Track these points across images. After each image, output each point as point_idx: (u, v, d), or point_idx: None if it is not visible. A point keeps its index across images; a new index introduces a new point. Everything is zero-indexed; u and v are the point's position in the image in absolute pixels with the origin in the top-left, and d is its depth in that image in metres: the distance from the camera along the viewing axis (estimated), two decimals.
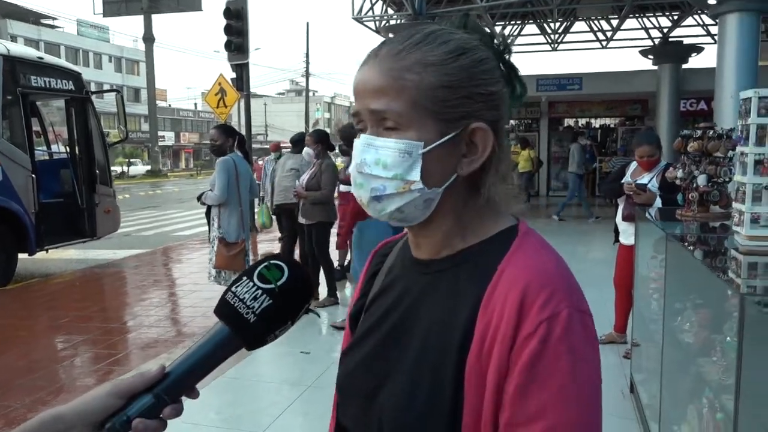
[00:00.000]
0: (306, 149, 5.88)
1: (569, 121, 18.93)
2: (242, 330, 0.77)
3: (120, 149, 38.42)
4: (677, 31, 15.48)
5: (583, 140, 14.06)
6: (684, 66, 14.84)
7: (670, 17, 15.09)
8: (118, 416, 0.74)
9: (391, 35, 0.87)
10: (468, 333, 0.75)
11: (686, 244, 2.64)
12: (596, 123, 18.73)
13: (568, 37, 18.12)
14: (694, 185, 3.29)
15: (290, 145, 7.14)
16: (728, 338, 2.16)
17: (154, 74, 35.27)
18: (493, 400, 0.71)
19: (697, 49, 14.97)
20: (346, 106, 79.69)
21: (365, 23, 12.75)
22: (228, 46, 10.93)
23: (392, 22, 13.15)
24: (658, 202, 4.17)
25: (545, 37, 17.83)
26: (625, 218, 4.46)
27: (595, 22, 16.48)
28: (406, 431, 0.78)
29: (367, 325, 0.90)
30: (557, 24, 16.79)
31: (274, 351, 4.67)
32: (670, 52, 14.95)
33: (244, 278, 0.78)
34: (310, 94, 51.96)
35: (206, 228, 12.15)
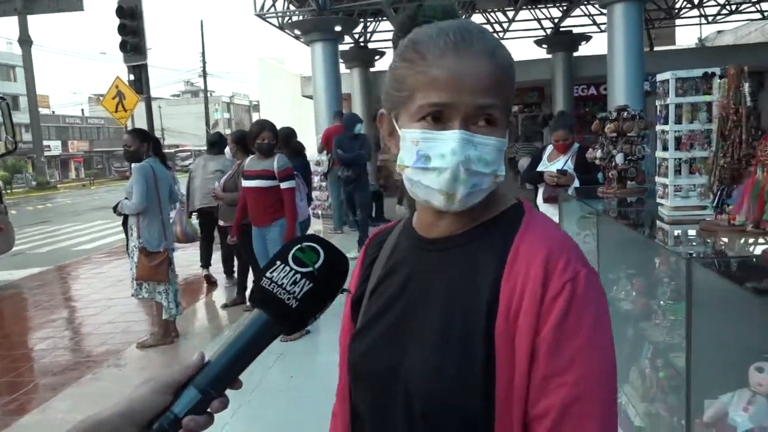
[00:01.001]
0: (227, 149, 5.69)
1: None
2: (283, 316, 0.75)
3: (0, 162, 35.36)
4: (567, 22, 16.37)
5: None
6: (575, 54, 15.75)
7: (560, 8, 15.92)
8: (165, 415, 0.71)
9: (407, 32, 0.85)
10: (493, 300, 0.80)
11: (617, 219, 2.82)
12: None
13: None
14: (613, 164, 3.51)
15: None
16: (662, 302, 2.34)
17: (34, 79, 32.65)
18: (527, 357, 0.77)
19: (586, 37, 15.94)
20: (245, 105, 77.75)
21: (268, 20, 12.50)
22: (123, 46, 10.29)
23: (295, 18, 12.98)
24: (576, 183, 4.42)
25: None
26: (546, 200, 4.68)
27: (492, 14, 17.08)
28: (439, 395, 0.80)
29: (379, 305, 0.93)
30: None
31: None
32: (561, 42, 15.82)
33: (278, 263, 0.76)
34: (208, 94, 50.22)
35: (109, 240, 11.41)
